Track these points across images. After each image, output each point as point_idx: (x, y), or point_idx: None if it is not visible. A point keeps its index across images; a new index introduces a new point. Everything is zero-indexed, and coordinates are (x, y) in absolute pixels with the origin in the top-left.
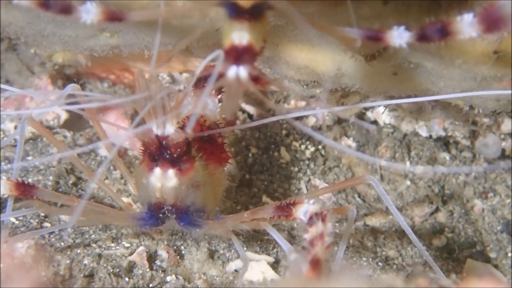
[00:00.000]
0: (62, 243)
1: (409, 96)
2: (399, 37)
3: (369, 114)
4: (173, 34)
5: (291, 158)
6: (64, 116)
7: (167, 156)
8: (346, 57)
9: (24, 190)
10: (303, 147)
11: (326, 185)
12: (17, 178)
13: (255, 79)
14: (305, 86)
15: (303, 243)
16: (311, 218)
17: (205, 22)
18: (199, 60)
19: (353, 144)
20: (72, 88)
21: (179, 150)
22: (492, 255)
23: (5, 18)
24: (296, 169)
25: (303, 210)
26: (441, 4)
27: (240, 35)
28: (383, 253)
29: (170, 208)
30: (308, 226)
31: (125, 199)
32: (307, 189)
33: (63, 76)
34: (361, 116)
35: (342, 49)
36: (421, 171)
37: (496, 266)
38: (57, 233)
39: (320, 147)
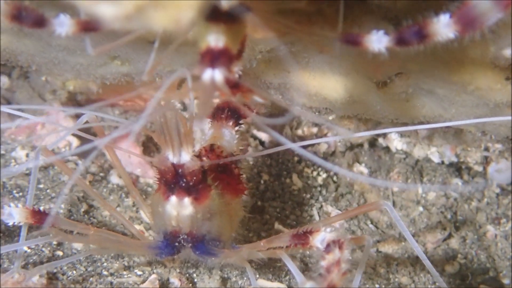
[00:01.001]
0: (75, 271)
1: (421, 123)
2: (378, 41)
3: (380, 140)
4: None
5: (303, 185)
6: (75, 143)
7: (183, 184)
8: (358, 84)
9: (40, 218)
10: (315, 173)
11: (339, 211)
12: (32, 206)
13: (234, 85)
14: (317, 113)
15: (319, 270)
16: (328, 245)
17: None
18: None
19: (365, 170)
20: (88, 116)
21: (195, 178)
22: (506, 281)
23: (17, 47)
24: (308, 195)
25: (320, 238)
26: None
27: (216, 37)
28: (396, 279)
29: (185, 237)
30: (325, 253)
31: (137, 227)
32: (319, 216)
33: (75, 103)
34: (373, 142)
35: (353, 76)
36: (434, 191)
37: None
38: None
39: (332, 173)
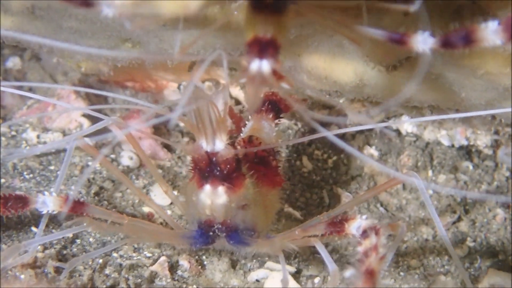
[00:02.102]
0: (84, 253)
1: (431, 107)
2: (423, 42)
3: (391, 123)
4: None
5: (313, 167)
6: (86, 124)
7: (217, 173)
8: (368, 67)
9: (74, 207)
10: (325, 156)
11: (349, 194)
12: (66, 194)
13: (280, 76)
14: (327, 96)
15: (356, 255)
16: (364, 232)
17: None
18: (222, 69)
19: (376, 153)
20: (111, 120)
21: (229, 166)
22: None
23: (28, 29)
24: (319, 178)
25: (356, 225)
26: (463, 15)
27: (264, 28)
28: (405, 262)
29: (220, 226)
30: (362, 239)
31: (146, 209)
32: (329, 199)
33: (86, 85)
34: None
35: (363, 60)
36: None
37: None
38: (79, 243)
39: (342, 156)
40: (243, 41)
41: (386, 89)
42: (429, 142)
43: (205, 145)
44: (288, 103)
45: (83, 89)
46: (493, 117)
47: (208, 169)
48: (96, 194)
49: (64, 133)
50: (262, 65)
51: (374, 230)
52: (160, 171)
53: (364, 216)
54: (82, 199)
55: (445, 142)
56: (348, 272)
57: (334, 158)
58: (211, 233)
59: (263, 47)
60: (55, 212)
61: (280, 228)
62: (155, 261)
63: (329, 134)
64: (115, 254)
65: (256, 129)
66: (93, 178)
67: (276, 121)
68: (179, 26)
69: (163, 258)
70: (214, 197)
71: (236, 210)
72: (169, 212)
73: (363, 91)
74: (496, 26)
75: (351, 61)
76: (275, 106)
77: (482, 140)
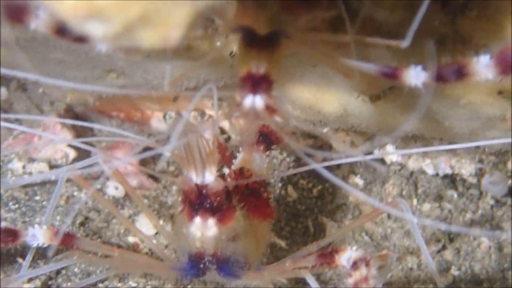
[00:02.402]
0: (69, 283)
1: (414, 136)
2: (416, 76)
3: (376, 152)
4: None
5: (298, 196)
6: (72, 154)
7: (207, 205)
8: (352, 97)
9: (65, 240)
10: (310, 185)
11: (334, 223)
12: (57, 227)
13: (272, 110)
14: (312, 126)
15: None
16: (354, 263)
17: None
18: (208, 99)
19: (361, 182)
20: (96, 156)
21: (219, 198)
22: None
23: (13, 61)
24: (304, 207)
25: (346, 257)
26: (446, 45)
27: (257, 64)
28: None
29: (210, 258)
30: (352, 270)
31: (131, 239)
32: (314, 228)
33: (72, 115)
34: (368, 154)
35: (347, 90)
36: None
37: None
38: (64, 273)
39: (327, 185)
40: (227, 71)
41: (370, 118)
42: (414, 171)
43: (195, 178)
44: (279, 136)
45: (69, 121)
46: (477, 146)
47: (198, 202)
48: (82, 224)
49: (50, 163)
50: (255, 101)
51: (365, 261)
52: (146, 200)
53: (354, 248)
54: (71, 232)
55: (430, 171)
56: None
57: (319, 187)
58: (201, 266)
59: (257, 83)
60: (45, 245)
61: (265, 258)
62: None
63: (318, 167)
64: (100, 285)
65: (247, 161)
66: (79, 209)
67: (267, 153)
68: (163, 57)
69: None
70: (204, 230)
71: (226, 242)
72: (154, 241)
73: (347, 120)
74: (488, 60)
75: (335, 91)
76: (266, 138)
77: (467, 168)
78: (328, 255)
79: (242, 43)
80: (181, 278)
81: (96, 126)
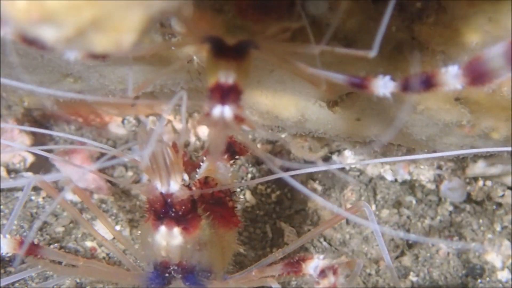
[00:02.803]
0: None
1: (371, 141)
2: (384, 86)
3: (334, 157)
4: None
5: (257, 202)
6: (30, 159)
7: (172, 214)
8: (309, 103)
9: (29, 249)
10: (268, 190)
11: (292, 228)
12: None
13: (240, 120)
14: (270, 131)
15: None
16: (322, 271)
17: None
18: (165, 104)
19: (319, 188)
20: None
21: (184, 207)
22: None
23: None
24: (262, 212)
25: (313, 265)
26: (403, 51)
27: (225, 74)
28: None
29: (176, 267)
30: (320, 278)
31: (89, 243)
32: (272, 233)
33: (30, 119)
34: (326, 159)
35: (305, 95)
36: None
37: None
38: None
39: (286, 190)
40: (183, 76)
41: (327, 124)
42: (373, 177)
43: (160, 186)
44: (243, 146)
45: (28, 128)
46: (435, 152)
47: (163, 210)
48: (39, 229)
49: (7, 168)
50: (224, 111)
51: (332, 269)
52: (103, 205)
53: (321, 256)
54: (36, 241)
55: (388, 177)
56: None
57: (278, 192)
58: (167, 275)
59: (225, 93)
60: (8, 255)
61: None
62: None
63: (285, 176)
64: None
65: (212, 170)
66: (36, 213)
67: (231, 162)
68: (123, 62)
69: None
70: (169, 239)
71: (192, 251)
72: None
73: (304, 126)
74: (457, 70)
75: (292, 97)
76: (230, 148)
77: (425, 175)
78: (294, 263)
79: (211, 53)
80: (146, 287)
81: (55, 133)
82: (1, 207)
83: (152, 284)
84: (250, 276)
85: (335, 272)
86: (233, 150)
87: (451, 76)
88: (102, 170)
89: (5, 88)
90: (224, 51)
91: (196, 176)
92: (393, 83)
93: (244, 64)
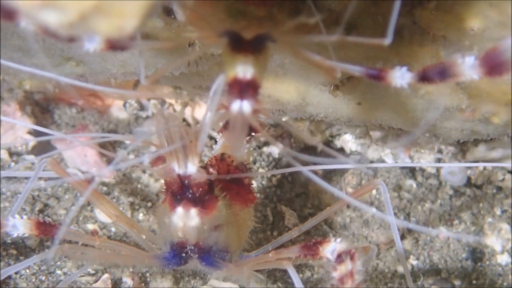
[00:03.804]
0: (28, 270)
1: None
2: (401, 77)
3: (335, 141)
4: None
5: (257, 185)
6: (32, 142)
7: (189, 196)
8: (310, 87)
9: (45, 229)
10: (269, 174)
11: (293, 212)
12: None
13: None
14: (271, 114)
15: (331, 281)
16: (339, 256)
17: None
18: (166, 88)
19: (319, 172)
20: (47, 162)
21: (201, 189)
22: (457, 282)
23: None
24: (262, 196)
25: (331, 249)
26: (403, 36)
27: (244, 69)
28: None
29: (192, 248)
30: (337, 264)
31: (90, 226)
32: (273, 216)
33: (32, 102)
34: (327, 143)
35: (306, 79)
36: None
37: None
38: (22, 259)
39: (286, 174)
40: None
41: (328, 108)
42: (373, 161)
43: (177, 168)
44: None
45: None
46: (436, 136)
47: (180, 192)
48: (40, 211)
49: (9, 150)
50: (243, 106)
51: (349, 254)
52: (105, 188)
53: (338, 240)
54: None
55: (389, 161)
56: None
57: (278, 176)
58: (183, 255)
59: (243, 88)
60: (25, 235)
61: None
62: (98, 278)
63: (304, 170)
64: (58, 271)
65: (227, 147)
66: (38, 196)
67: (247, 139)
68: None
69: (106, 276)
70: (186, 220)
71: (208, 232)
72: (113, 229)
73: (305, 110)
74: (473, 61)
75: (293, 81)
76: None
77: (426, 158)
78: (312, 246)
79: (228, 47)
80: (163, 267)
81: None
82: (3, 189)
83: (169, 264)
84: (267, 257)
85: (352, 258)
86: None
87: (468, 67)
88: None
89: (7, 71)
90: (241, 45)
91: (213, 152)
92: (410, 74)
93: (261, 58)
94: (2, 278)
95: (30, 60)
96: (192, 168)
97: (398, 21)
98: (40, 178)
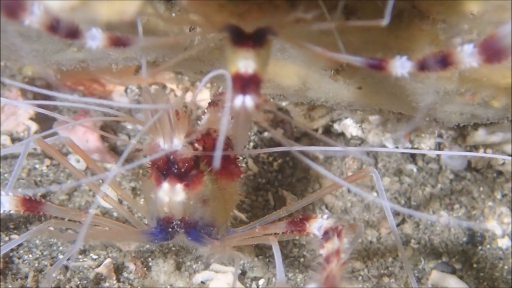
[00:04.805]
0: (31, 255)
1: (374, 110)
2: (401, 66)
3: (336, 126)
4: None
5: (259, 170)
6: (34, 127)
7: (175, 171)
8: (310, 71)
9: (31, 206)
10: (271, 158)
11: (294, 196)
12: (23, 193)
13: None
14: (272, 100)
15: (318, 258)
16: (326, 233)
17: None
18: (167, 73)
19: (321, 156)
20: (34, 140)
21: (186, 164)
22: (458, 266)
23: None
24: (264, 180)
25: (317, 225)
26: (403, 19)
27: (245, 64)
28: (349, 264)
29: (179, 222)
30: (324, 241)
31: (93, 211)
32: (274, 201)
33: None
34: (328, 128)
35: (306, 64)
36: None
37: (461, 277)
38: (25, 245)
39: (287, 158)
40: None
41: (329, 92)
42: (373, 146)
43: (163, 144)
44: None
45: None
46: (436, 121)
47: (165, 167)
48: (43, 196)
49: (11, 136)
50: (245, 101)
51: (336, 231)
52: (107, 173)
53: (325, 216)
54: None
55: (389, 146)
56: (312, 284)
57: (280, 161)
58: (170, 230)
59: (246, 83)
60: (11, 212)
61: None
62: (100, 263)
63: (293, 149)
64: (61, 256)
65: (213, 121)
66: (40, 181)
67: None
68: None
69: (108, 260)
70: (172, 195)
71: (194, 207)
72: (115, 214)
73: (306, 94)
74: (472, 48)
75: (294, 65)
76: None
77: (426, 143)
78: (298, 222)
79: (229, 41)
80: (150, 241)
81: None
82: (5, 175)
83: (156, 239)
84: (253, 232)
85: (339, 235)
86: None
87: (467, 55)
88: (105, 138)
89: (8, 57)
90: (242, 40)
91: (198, 127)
92: (410, 63)
93: (263, 52)
94: None
95: (31, 46)
96: (178, 143)
97: (398, 5)
98: (42, 164)
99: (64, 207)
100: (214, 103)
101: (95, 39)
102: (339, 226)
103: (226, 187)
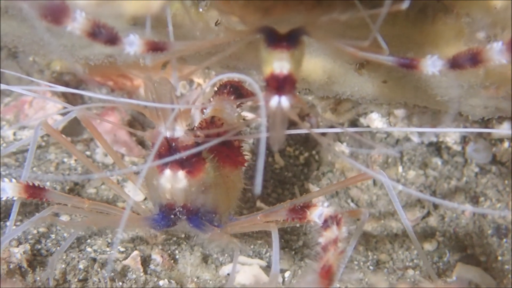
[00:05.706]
0: (58, 248)
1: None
2: (432, 65)
3: (362, 119)
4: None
5: (285, 164)
6: (62, 123)
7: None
8: (336, 65)
9: (33, 193)
10: (297, 152)
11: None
12: (26, 180)
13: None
14: (297, 93)
15: (316, 247)
16: (325, 221)
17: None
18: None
19: (347, 150)
20: (75, 113)
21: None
22: (482, 258)
23: (3, 28)
24: (290, 174)
25: (318, 213)
26: (427, 14)
27: (280, 65)
28: (375, 257)
29: (181, 209)
30: (323, 229)
31: (120, 205)
32: (300, 194)
33: (62, 83)
34: (354, 121)
35: (332, 58)
36: None
37: (486, 270)
38: (53, 237)
39: (314, 152)
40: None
41: (354, 86)
42: (399, 139)
43: (165, 131)
44: (249, 90)
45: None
46: (460, 114)
47: (167, 154)
48: (71, 190)
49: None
50: (281, 102)
51: (336, 219)
52: (134, 167)
53: (326, 204)
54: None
55: (415, 139)
56: (310, 277)
57: (306, 154)
58: (172, 216)
59: (281, 84)
60: (14, 198)
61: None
62: (128, 255)
63: (312, 131)
64: (88, 249)
65: (218, 110)
66: (68, 174)
67: (237, 103)
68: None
69: (135, 253)
70: (174, 182)
71: (196, 193)
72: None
73: (331, 88)
74: (500, 46)
75: (319, 59)
76: (236, 90)
77: (451, 136)
78: (299, 210)
79: (264, 43)
80: (152, 228)
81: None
82: (34, 169)
83: (158, 225)
84: (255, 219)
85: (338, 223)
86: (239, 92)
87: (496, 52)
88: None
89: (37, 52)
90: (277, 41)
91: (203, 116)
92: (441, 61)
93: (297, 53)
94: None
95: (59, 41)
96: (179, 130)
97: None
98: (70, 158)
99: (67, 194)
100: (220, 92)
101: (133, 45)
102: (338, 214)
103: (229, 175)
